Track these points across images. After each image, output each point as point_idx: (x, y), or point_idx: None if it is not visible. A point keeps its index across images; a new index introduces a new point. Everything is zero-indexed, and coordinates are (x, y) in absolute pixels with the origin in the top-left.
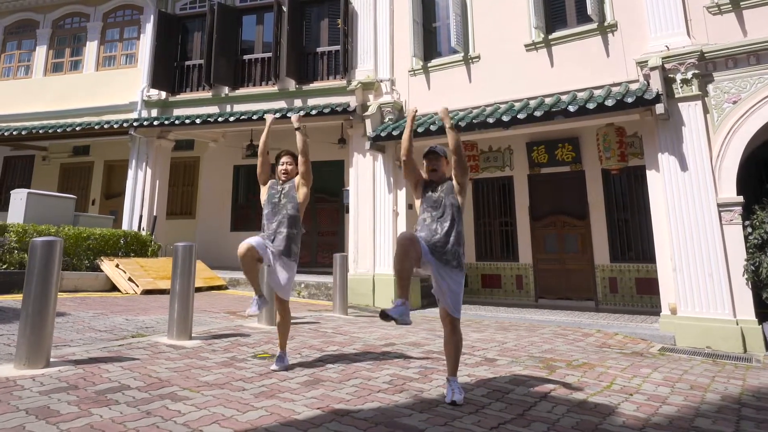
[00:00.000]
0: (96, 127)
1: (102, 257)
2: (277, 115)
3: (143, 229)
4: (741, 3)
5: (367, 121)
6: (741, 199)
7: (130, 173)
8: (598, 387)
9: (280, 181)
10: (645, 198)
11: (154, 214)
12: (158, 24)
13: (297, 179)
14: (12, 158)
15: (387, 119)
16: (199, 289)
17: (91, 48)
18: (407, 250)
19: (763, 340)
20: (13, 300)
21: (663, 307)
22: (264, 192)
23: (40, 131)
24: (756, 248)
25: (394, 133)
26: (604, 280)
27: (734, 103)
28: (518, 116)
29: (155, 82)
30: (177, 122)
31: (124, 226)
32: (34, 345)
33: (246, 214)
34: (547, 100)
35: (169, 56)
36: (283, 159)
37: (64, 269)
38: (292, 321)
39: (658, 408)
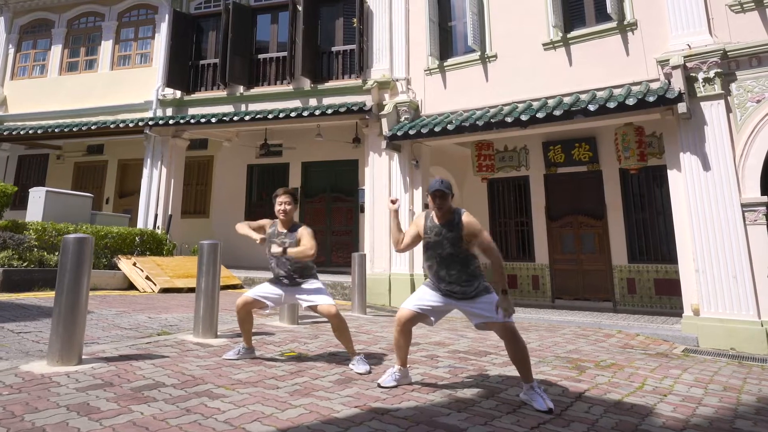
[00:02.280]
0: (111, 126)
1: (119, 255)
2: (294, 114)
3: (158, 228)
4: (764, 1)
5: (384, 121)
6: (765, 199)
7: (145, 172)
8: (630, 388)
9: (281, 228)
10: (663, 198)
11: (169, 212)
12: (173, 23)
13: (300, 239)
14: (26, 157)
15: (403, 118)
16: None
17: (106, 47)
18: (402, 330)
19: None
20: (35, 297)
21: (685, 308)
22: (265, 226)
23: (56, 130)
24: None
25: (411, 132)
26: (621, 281)
27: (758, 102)
28: (537, 115)
29: (170, 81)
30: (192, 121)
31: (139, 225)
32: (66, 342)
33: (260, 214)
34: (566, 99)
35: (183, 55)
36: (281, 199)
37: None
38: (314, 320)
39: (695, 409)
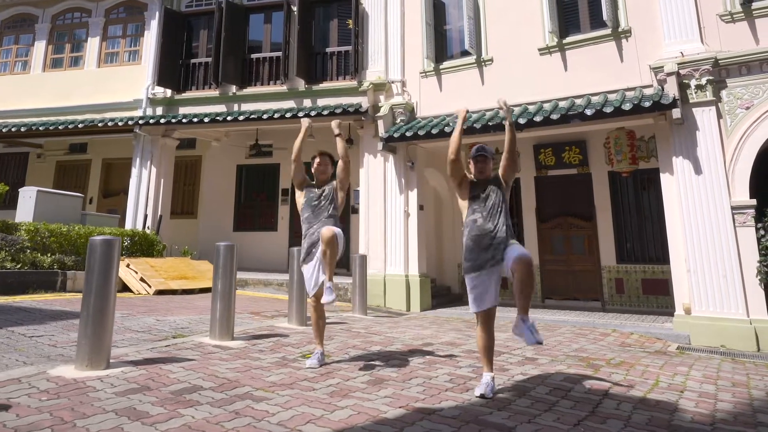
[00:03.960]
0: (99, 124)
1: None
2: (288, 115)
3: (148, 229)
4: (753, 12)
5: (380, 122)
6: (754, 202)
7: (134, 172)
8: (647, 385)
9: (318, 183)
10: (651, 200)
11: (159, 213)
12: (164, 21)
13: (336, 183)
14: (4, 156)
15: (399, 120)
16: (208, 290)
17: (92, 44)
18: (486, 329)
19: None
20: (32, 300)
21: (677, 307)
22: (301, 196)
23: (40, 128)
24: None
25: (408, 134)
26: (610, 281)
27: (747, 108)
28: (535, 119)
29: (161, 79)
30: (184, 120)
31: (128, 226)
32: (95, 346)
33: (249, 214)
34: (562, 104)
35: (174, 54)
36: (319, 159)
37: (76, 269)
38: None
39: (715, 405)
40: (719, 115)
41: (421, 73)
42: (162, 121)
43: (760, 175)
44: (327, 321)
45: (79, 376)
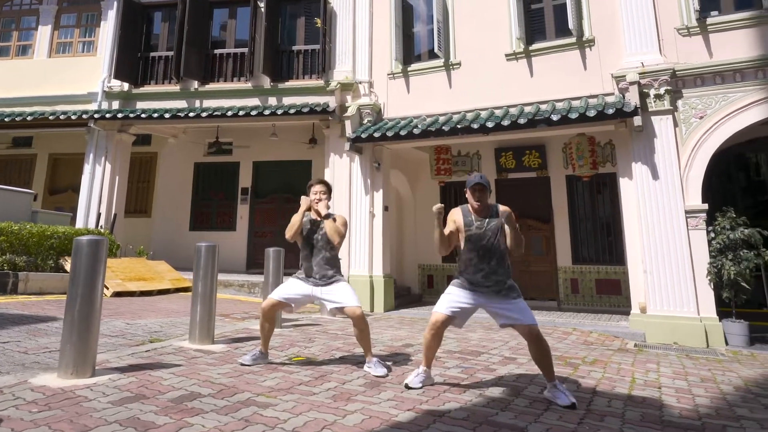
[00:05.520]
0: (51, 117)
1: (66, 257)
2: (254, 112)
3: (102, 227)
4: (708, 27)
5: (347, 123)
6: (705, 206)
7: (87, 168)
8: (627, 382)
9: (317, 217)
10: (606, 204)
11: (114, 212)
12: (123, 12)
13: (335, 227)
14: None
15: (366, 121)
16: (167, 291)
17: (43, 32)
18: (437, 334)
19: (723, 336)
20: None
21: (633, 306)
22: (298, 224)
23: None
24: (718, 252)
25: (376, 134)
26: (566, 281)
27: (701, 118)
28: (503, 123)
29: (118, 72)
30: (143, 115)
31: (79, 224)
32: (81, 353)
33: (207, 213)
34: (527, 109)
35: (133, 46)
36: (316, 188)
37: (28, 270)
38: (295, 324)
39: (694, 399)
40: (675, 124)
41: (388, 74)
42: (119, 115)
43: (711, 181)
44: (299, 323)
45: (65, 385)
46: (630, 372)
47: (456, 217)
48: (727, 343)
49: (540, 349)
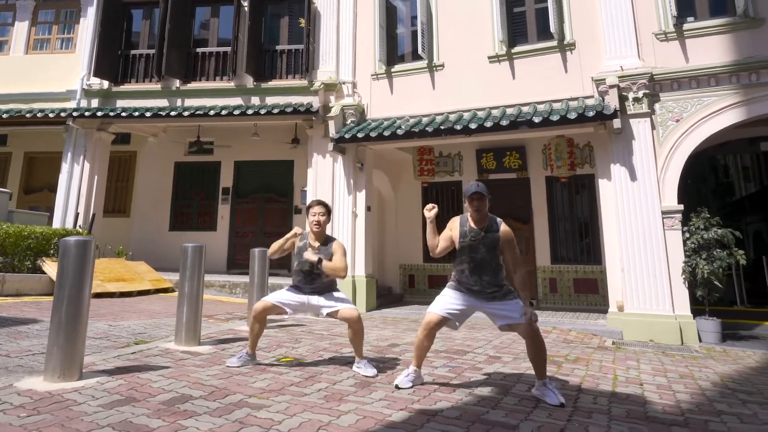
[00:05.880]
0: (27, 115)
1: (44, 258)
2: (236, 112)
3: (80, 227)
4: (684, 33)
5: (330, 123)
6: (681, 207)
7: (65, 167)
8: (609, 379)
9: (313, 240)
10: (584, 205)
11: (92, 211)
12: (103, 9)
13: (337, 268)
14: None
15: (349, 121)
16: (147, 292)
17: (20, 28)
18: (429, 335)
19: (697, 333)
20: None
21: (611, 304)
22: (277, 248)
23: None
24: (692, 252)
25: (359, 135)
26: (545, 281)
27: (677, 121)
28: (486, 124)
29: (98, 70)
30: (123, 114)
31: (56, 224)
32: (68, 355)
33: (187, 213)
34: (509, 111)
35: (113, 44)
36: (316, 209)
37: (4, 271)
38: (280, 324)
39: (675, 395)
40: (653, 126)
41: (372, 75)
42: (99, 113)
43: (686, 183)
44: (282, 323)
45: (53, 388)
46: (612, 369)
47: (454, 225)
48: (700, 340)
49: (537, 347)
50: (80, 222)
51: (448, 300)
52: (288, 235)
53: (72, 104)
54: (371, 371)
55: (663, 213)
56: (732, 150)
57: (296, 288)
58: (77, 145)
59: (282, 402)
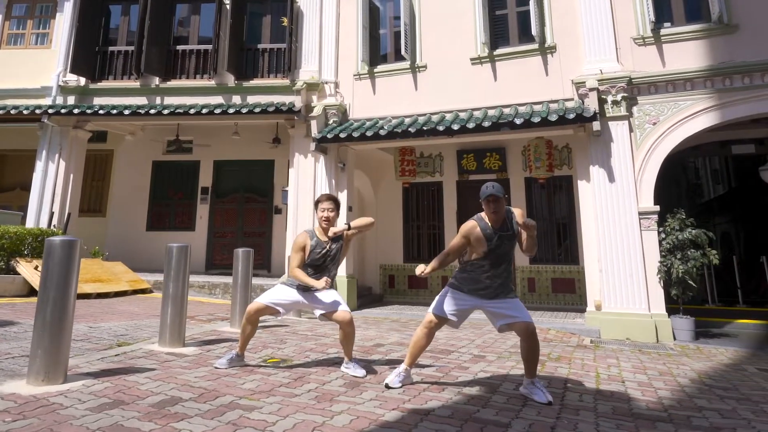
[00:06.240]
0: (1, 112)
1: (18, 258)
2: (217, 110)
3: (55, 227)
4: (662, 37)
5: (313, 123)
6: (657, 208)
7: (39, 165)
8: (592, 377)
9: (324, 237)
10: (562, 205)
11: (68, 211)
12: (81, 4)
13: (342, 248)
14: None
15: (331, 121)
16: (125, 293)
17: None
18: (429, 334)
19: (672, 331)
20: None
21: (589, 303)
22: (304, 243)
23: None
24: (668, 252)
25: (342, 135)
26: (523, 281)
27: (654, 124)
28: (468, 125)
29: (74, 66)
30: (101, 112)
31: (29, 224)
32: (53, 358)
33: (165, 213)
34: (491, 112)
35: (90, 39)
36: (324, 205)
37: None
38: (262, 325)
39: (656, 392)
40: (631, 129)
41: (355, 75)
42: (75, 111)
43: (662, 184)
44: (266, 324)
45: (37, 392)
46: (593, 367)
47: (474, 233)
48: (675, 338)
49: (533, 347)
50: (55, 221)
51: (449, 299)
52: (311, 282)
53: (47, 101)
54: (360, 372)
55: (640, 214)
56: (704, 152)
57: (290, 284)
58: (52, 143)
59: (273, 403)
